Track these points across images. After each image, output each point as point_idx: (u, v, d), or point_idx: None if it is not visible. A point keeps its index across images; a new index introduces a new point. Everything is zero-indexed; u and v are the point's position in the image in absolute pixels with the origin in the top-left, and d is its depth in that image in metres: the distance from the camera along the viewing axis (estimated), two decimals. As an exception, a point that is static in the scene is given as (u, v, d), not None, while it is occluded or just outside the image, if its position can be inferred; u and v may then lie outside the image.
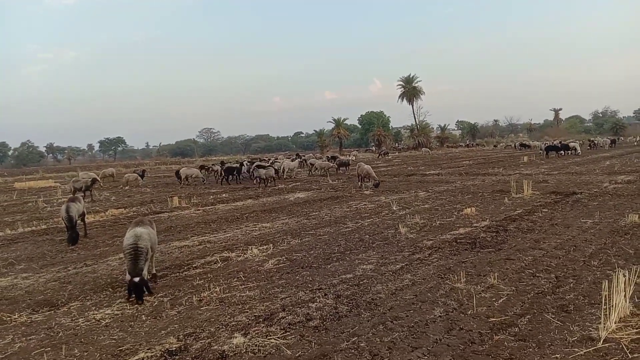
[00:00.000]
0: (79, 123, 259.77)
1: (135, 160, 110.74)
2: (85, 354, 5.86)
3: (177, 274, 9.37)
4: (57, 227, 15.81)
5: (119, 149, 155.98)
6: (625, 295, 5.92)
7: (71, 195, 17.76)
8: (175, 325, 6.64)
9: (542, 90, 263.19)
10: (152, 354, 5.73)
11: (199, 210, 18.63)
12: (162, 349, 5.83)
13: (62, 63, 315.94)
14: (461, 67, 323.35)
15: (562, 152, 43.62)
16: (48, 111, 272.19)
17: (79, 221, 13.56)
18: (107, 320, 6.99)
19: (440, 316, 6.35)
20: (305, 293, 7.67)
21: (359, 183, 24.25)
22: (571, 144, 45.25)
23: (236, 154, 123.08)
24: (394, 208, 15.90)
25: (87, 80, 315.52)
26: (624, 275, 5.96)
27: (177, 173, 33.70)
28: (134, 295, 7.64)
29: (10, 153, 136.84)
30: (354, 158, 38.64)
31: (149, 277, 8.40)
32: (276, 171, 29.84)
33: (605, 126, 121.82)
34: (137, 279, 7.49)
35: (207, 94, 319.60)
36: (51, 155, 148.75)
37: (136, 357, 5.65)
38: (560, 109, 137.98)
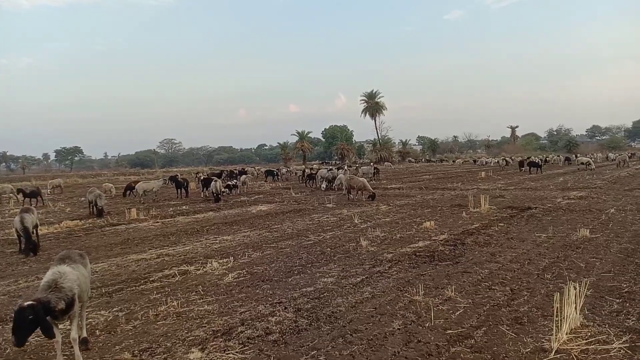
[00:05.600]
0: (35, 131, 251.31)
1: (92, 170, 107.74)
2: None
3: (134, 287, 9.12)
4: (8, 239, 15.19)
5: (76, 158, 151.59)
6: (576, 307, 6.12)
7: (24, 206, 17.12)
8: (131, 341, 6.46)
9: (499, 107, 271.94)
10: (105, 370, 5.55)
11: (158, 222, 18.25)
12: (116, 366, 5.65)
13: (17, 69, 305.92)
14: (422, 84, 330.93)
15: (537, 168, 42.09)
16: (1, 118, 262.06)
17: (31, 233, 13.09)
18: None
19: (399, 329, 6.40)
20: (265, 307, 7.59)
21: (349, 195, 24.15)
22: (584, 159, 45.48)
23: (198, 165, 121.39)
24: (356, 221, 16.00)
25: (43, 88, 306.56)
26: (575, 288, 6.17)
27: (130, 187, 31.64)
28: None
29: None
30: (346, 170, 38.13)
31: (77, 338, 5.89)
32: (234, 186, 29.84)
33: (560, 144, 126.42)
34: (29, 303, 5.02)
35: (168, 104, 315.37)
36: (4, 164, 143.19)
37: (88, 374, 5.45)
38: (517, 127, 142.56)
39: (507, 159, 66.24)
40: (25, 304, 4.94)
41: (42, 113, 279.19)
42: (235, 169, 52.75)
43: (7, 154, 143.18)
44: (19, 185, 31.90)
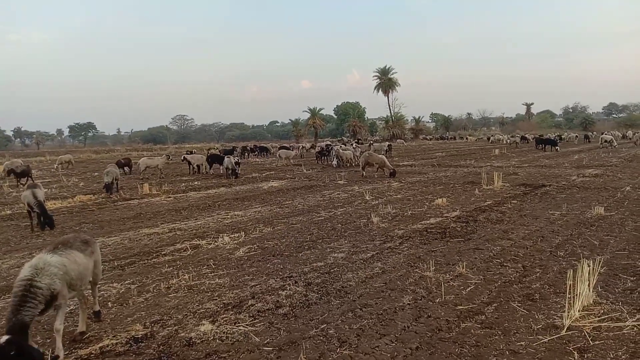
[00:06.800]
0: (48, 107, 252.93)
1: (106, 146, 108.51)
2: (48, 340, 5.69)
3: (146, 261, 9.21)
4: (23, 213, 15.36)
5: (90, 134, 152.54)
6: (589, 285, 6.05)
7: (30, 182, 17.21)
8: (142, 313, 6.53)
9: (514, 84, 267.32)
10: (117, 341, 5.61)
11: (170, 197, 18.36)
12: (128, 336, 5.72)
13: (30, 45, 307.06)
14: (436, 61, 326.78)
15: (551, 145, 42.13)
16: (16, 94, 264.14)
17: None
18: (71, 307, 6.82)
19: (409, 304, 6.39)
20: (276, 281, 7.62)
21: (363, 172, 23.93)
22: (607, 137, 44.57)
23: (210, 141, 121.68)
24: (367, 198, 15.95)
25: (56, 64, 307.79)
26: (589, 265, 6.09)
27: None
28: None
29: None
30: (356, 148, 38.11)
31: (89, 313, 6.20)
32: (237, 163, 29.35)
33: (575, 121, 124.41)
34: (5, 339, 4.35)
35: (180, 81, 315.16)
36: (19, 139, 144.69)
37: (100, 344, 5.52)
38: (532, 104, 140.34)
39: (525, 135, 65.21)
40: (3, 340, 4.33)
41: (55, 89, 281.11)
42: (247, 145, 52.73)
43: (22, 129, 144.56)
44: (11, 165, 27.64)
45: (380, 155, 24.45)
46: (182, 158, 29.94)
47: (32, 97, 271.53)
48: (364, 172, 23.85)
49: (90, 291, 6.37)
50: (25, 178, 25.89)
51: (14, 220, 14.50)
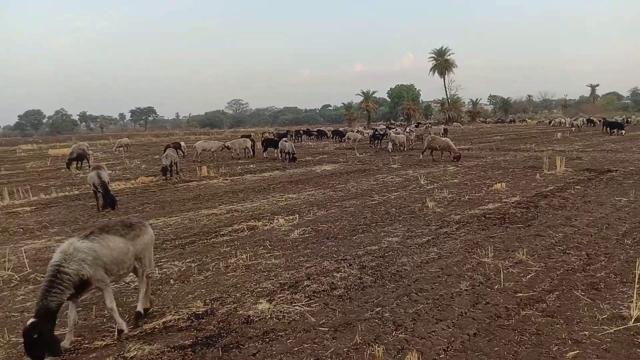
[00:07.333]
0: (111, 92, 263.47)
1: (165, 130, 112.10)
2: (115, 314, 6.00)
3: (205, 240, 9.51)
4: (90, 193, 16.18)
5: (150, 118, 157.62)
6: (660, 275, 5.74)
7: (95, 164, 17.94)
8: (202, 290, 6.77)
9: (578, 65, 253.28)
10: (179, 316, 5.86)
11: (227, 180, 18.80)
12: (189, 312, 5.95)
13: (94, 32, 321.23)
14: (495, 41, 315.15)
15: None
16: (81, 80, 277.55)
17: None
18: (136, 284, 7.14)
19: (466, 290, 6.29)
20: (330, 263, 7.69)
21: (422, 156, 23.64)
22: None
23: (264, 125, 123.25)
24: (422, 182, 15.73)
25: (117, 50, 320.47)
26: (660, 254, 5.77)
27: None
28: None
29: (44, 121, 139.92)
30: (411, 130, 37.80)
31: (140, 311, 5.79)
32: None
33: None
34: (30, 322, 4.56)
35: (235, 65, 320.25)
36: (84, 123, 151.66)
37: (163, 320, 5.78)
38: (597, 85, 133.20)
39: (592, 118, 61.89)
40: (28, 324, 4.53)
41: (117, 75, 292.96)
42: (300, 129, 53.21)
43: (87, 113, 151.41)
44: (77, 148, 27.39)
45: (444, 139, 24.00)
46: (224, 146, 29.71)
47: (97, 82, 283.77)
48: (422, 156, 23.48)
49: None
50: (82, 161, 26.45)
51: (81, 200, 15.31)
